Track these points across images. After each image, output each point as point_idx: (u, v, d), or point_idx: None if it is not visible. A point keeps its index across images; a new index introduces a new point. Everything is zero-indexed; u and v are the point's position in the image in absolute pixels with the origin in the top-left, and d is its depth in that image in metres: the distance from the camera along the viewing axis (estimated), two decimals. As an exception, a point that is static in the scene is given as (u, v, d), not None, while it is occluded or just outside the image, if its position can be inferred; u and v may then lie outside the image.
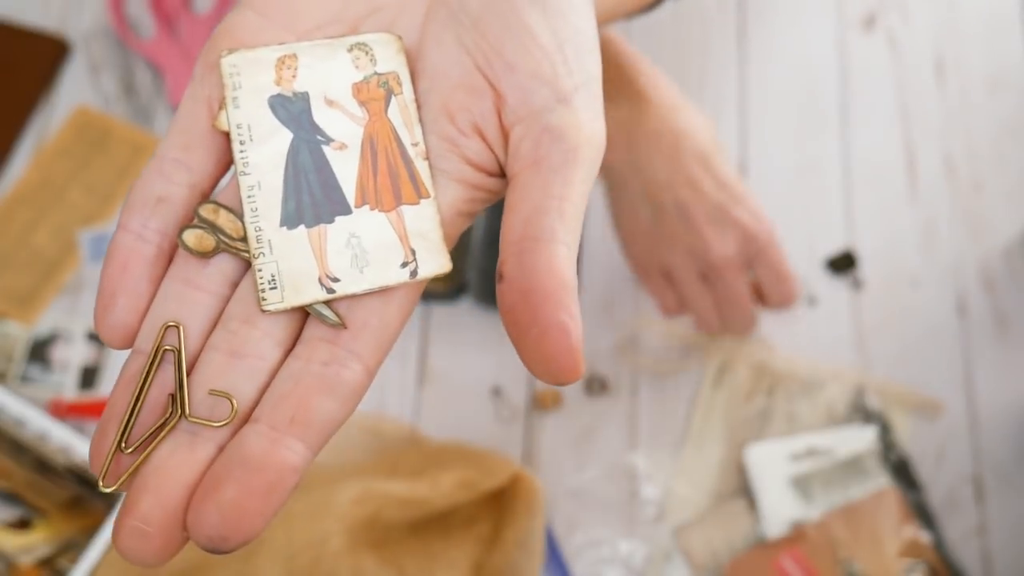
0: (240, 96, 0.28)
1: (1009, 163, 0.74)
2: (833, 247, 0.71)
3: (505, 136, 0.28)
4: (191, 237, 0.27)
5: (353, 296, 0.27)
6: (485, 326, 0.68)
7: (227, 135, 0.28)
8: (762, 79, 0.76)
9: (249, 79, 0.28)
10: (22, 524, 0.61)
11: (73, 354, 0.67)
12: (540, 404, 0.66)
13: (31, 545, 0.60)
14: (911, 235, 0.71)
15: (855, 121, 0.75)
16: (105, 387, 0.67)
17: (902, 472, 0.64)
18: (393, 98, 0.28)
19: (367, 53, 0.29)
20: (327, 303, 0.26)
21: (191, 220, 0.27)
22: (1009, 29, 0.78)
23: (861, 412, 0.66)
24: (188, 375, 0.26)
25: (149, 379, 0.26)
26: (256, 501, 0.24)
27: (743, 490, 0.64)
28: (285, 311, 0.26)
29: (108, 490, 0.26)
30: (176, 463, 0.25)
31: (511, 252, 0.25)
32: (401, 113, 0.28)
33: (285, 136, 0.28)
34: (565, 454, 0.65)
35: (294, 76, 0.28)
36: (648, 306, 0.69)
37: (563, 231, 0.25)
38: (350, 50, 0.29)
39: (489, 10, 0.28)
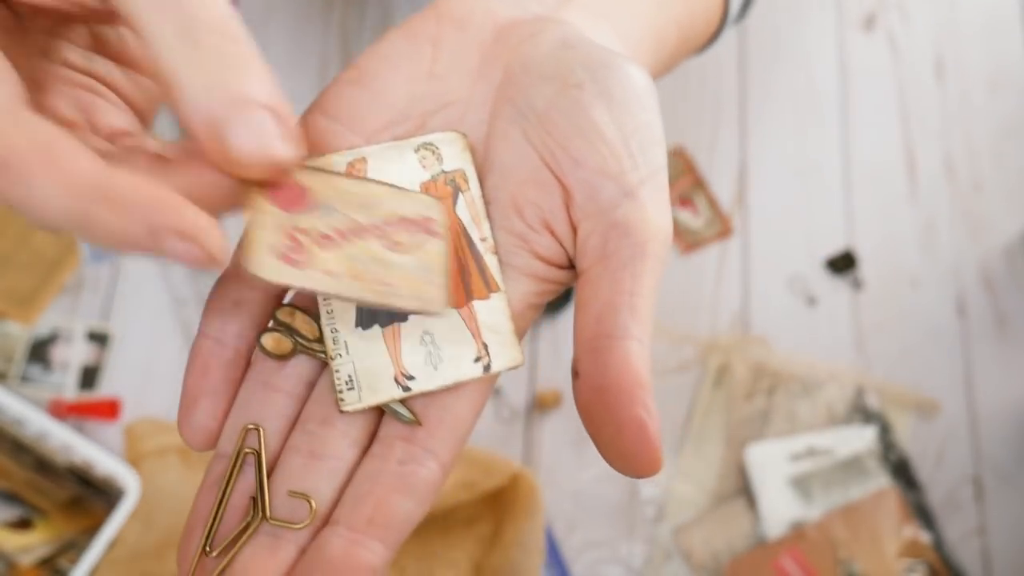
0: None
1: (1009, 163, 0.74)
2: (833, 247, 0.71)
3: (574, 230, 0.28)
4: (269, 340, 0.27)
5: (428, 393, 0.27)
6: (485, 326, 0.68)
7: None
8: (762, 79, 0.76)
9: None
10: (22, 524, 0.61)
11: (73, 354, 0.67)
12: (540, 404, 0.66)
13: (31, 545, 0.60)
14: (911, 235, 0.72)
15: (855, 121, 0.75)
16: (105, 387, 0.67)
17: (902, 472, 0.64)
18: (460, 195, 0.29)
19: (434, 152, 0.29)
20: (402, 401, 0.27)
21: (268, 323, 0.28)
22: (1009, 29, 0.78)
23: (861, 412, 0.66)
24: (268, 477, 0.26)
25: (231, 482, 0.26)
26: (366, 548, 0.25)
27: (743, 490, 0.64)
28: (362, 411, 0.27)
29: None
30: (259, 566, 0.25)
31: (585, 349, 0.26)
32: (469, 209, 0.29)
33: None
34: (565, 454, 0.65)
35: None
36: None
37: (635, 327, 0.26)
38: (417, 150, 0.29)
39: (555, 106, 0.28)
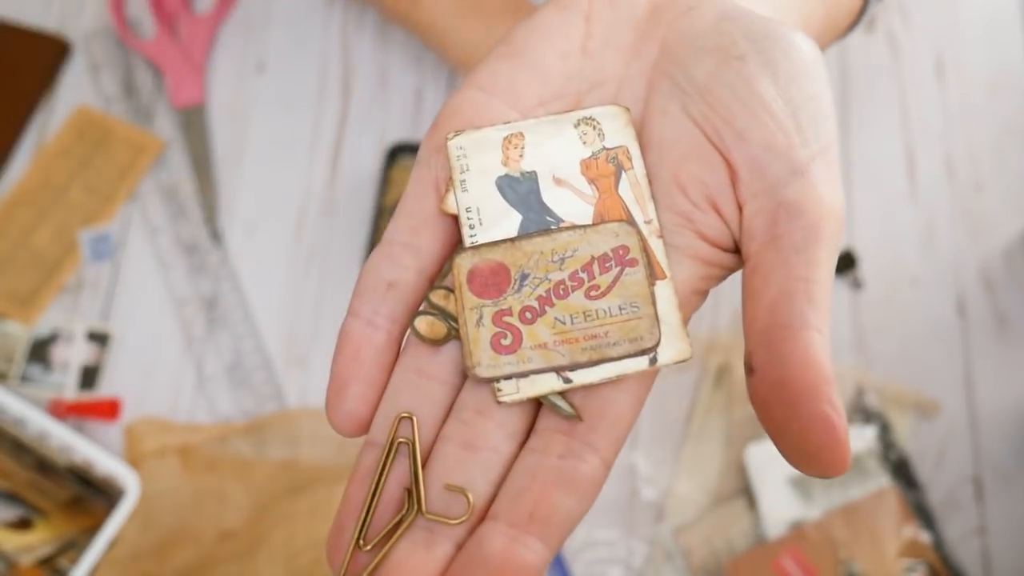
0: (468, 178, 0.27)
1: (1009, 163, 0.74)
2: (833, 247, 0.71)
3: (740, 210, 0.26)
4: (422, 324, 0.26)
5: (589, 386, 0.26)
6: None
7: (455, 218, 0.27)
8: (762, 79, 0.76)
9: (476, 160, 0.28)
10: (22, 524, 0.61)
11: (73, 354, 0.67)
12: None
13: (31, 545, 0.60)
14: (911, 235, 0.72)
15: (855, 121, 0.75)
16: (105, 387, 0.67)
17: (902, 472, 0.64)
18: (623, 173, 0.27)
19: (594, 128, 0.28)
20: (562, 394, 0.26)
21: (421, 306, 0.27)
22: (1009, 30, 0.78)
23: (861, 412, 0.66)
24: (423, 468, 0.25)
25: (385, 473, 0.25)
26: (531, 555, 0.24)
27: (743, 490, 0.64)
28: (520, 402, 0.26)
29: None
30: (415, 562, 0.24)
31: (760, 342, 0.24)
32: (632, 189, 0.27)
33: (515, 218, 0.27)
34: (565, 454, 0.65)
35: (521, 155, 0.28)
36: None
37: (815, 316, 0.24)
38: (577, 125, 0.28)
39: (717, 79, 0.27)
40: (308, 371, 0.67)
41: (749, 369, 0.24)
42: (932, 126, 0.75)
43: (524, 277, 0.26)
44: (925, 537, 0.62)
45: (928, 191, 0.73)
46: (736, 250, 0.27)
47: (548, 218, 0.27)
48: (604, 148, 0.28)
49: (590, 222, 0.27)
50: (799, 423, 0.23)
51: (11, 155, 0.73)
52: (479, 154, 0.28)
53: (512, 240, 0.27)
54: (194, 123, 0.74)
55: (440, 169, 0.28)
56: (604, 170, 0.28)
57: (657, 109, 0.28)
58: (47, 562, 0.60)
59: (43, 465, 0.63)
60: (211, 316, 0.69)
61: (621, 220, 0.27)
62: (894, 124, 0.75)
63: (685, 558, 0.62)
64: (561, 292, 0.26)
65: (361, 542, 0.25)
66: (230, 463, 0.64)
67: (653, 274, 0.26)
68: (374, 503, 0.25)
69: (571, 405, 0.26)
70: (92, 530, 0.60)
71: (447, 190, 0.28)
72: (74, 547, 0.61)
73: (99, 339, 0.68)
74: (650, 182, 0.27)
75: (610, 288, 0.26)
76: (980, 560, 0.62)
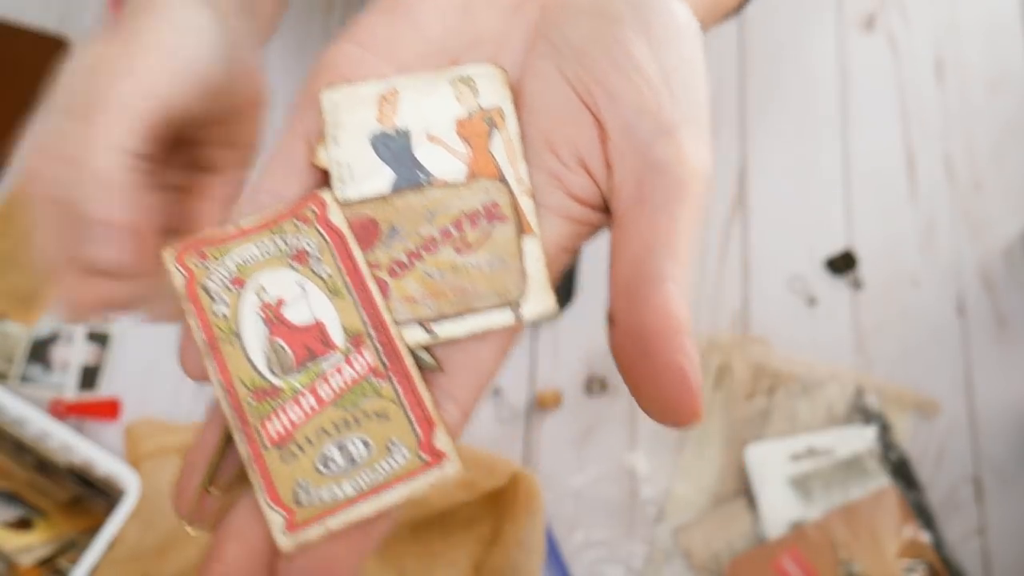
0: (340, 134, 0.27)
1: (1009, 163, 0.74)
2: (833, 247, 0.71)
3: (609, 169, 0.27)
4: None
5: (453, 339, 0.26)
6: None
7: (325, 172, 0.27)
8: (762, 79, 0.76)
9: (350, 116, 0.27)
10: (22, 524, 0.61)
11: (73, 354, 0.67)
12: (540, 404, 0.66)
13: (31, 545, 0.60)
14: (911, 235, 0.72)
15: (855, 121, 0.75)
16: (105, 387, 0.67)
17: (902, 472, 0.64)
18: (496, 133, 0.28)
19: (470, 87, 0.28)
20: (426, 347, 0.26)
21: None
22: (1009, 29, 0.78)
23: (861, 412, 0.66)
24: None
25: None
26: (347, 545, 0.24)
27: (743, 490, 0.64)
28: None
29: (193, 532, 0.25)
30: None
31: (620, 294, 0.25)
32: (505, 148, 0.27)
33: (387, 175, 0.27)
34: (565, 454, 0.65)
35: (395, 112, 0.28)
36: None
37: (674, 269, 0.24)
38: (453, 84, 0.28)
39: (592, 41, 0.27)
40: (308, 371, 0.67)
41: (610, 321, 0.25)
42: (932, 126, 0.75)
43: (394, 232, 0.27)
44: (925, 537, 0.62)
45: (928, 191, 0.73)
46: (605, 209, 0.27)
47: (420, 175, 0.27)
48: (480, 107, 0.28)
49: (462, 180, 0.27)
50: (654, 372, 0.23)
51: (11, 155, 0.73)
52: (353, 109, 0.28)
53: (384, 196, 0.27)
54: (194, 123, 0.74)
55: (312, 122, 0.28)
56: (478, 129, 0.28)
57: (533, 70, 0.28)
58: (47, 562, 0.60)
59: (43, 465, 0.63)
60: (211, 316, 0.69)
61: (493, 178, 0.27)
62: (894, 124, 0.75)
63: (685, 558, 0.62)
64: (431, 247, 0.26)
65: (209, 485, 0.25)
66: (230, 463, 0.64)
67: (522, 231, 0.27)
68: (225, 448, 0.25)
69: (434, 356, 0.26)
70: (92, 530, 0.60)
71: (319, 143, 0.28)
72: (74, 547, 0.61)
73: (99, 339, 0.68)
74: (523, 142, 0.28)
75: (479, 244, 0.26)
76: (980, 560, 0.62)
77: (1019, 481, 0.65)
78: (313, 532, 0.23)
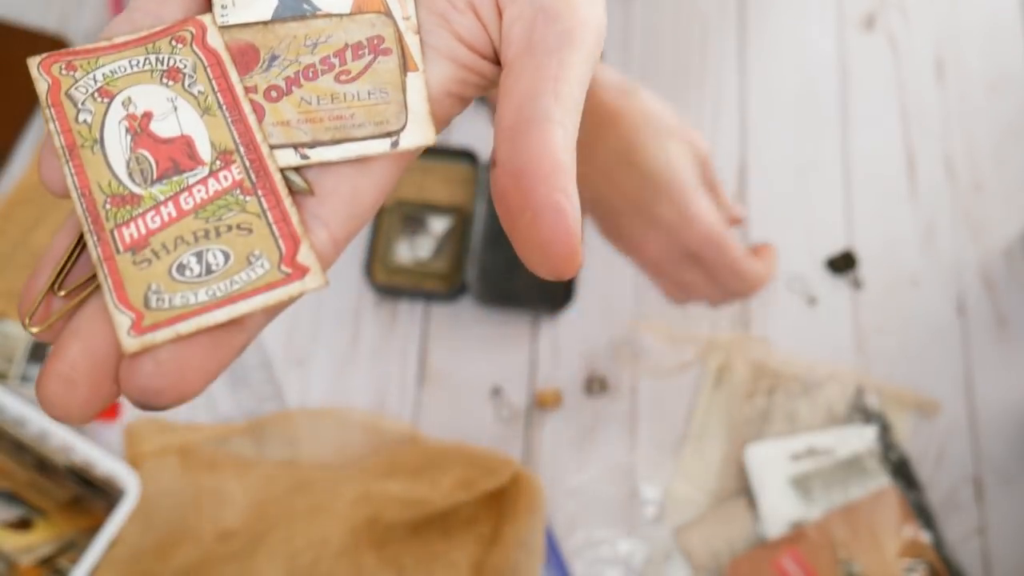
0: None
1: (1009, 163, 0.74)
2: (833, 247, 0.71)
3: (500, 16, 0.26)
4: None
5: (328, 163, 0.25)
6: (485, 326, 0.68)
7: None
8: (762, 79, 0.76)
9: None
10: (22, 524, 0.61)
11: (73, 354, 0.67)
12: (540, 404, 0.66)
13: (31, 545, 0.60)
14: (911, 235, 0.72)
15: (855, 121, 0.75)
16: (105, 387, 0.67)
17: (902, 472, 0.64)
18: None
19: None
20: (298, 169, 0.25)
21: None
22: (1009, 29, 0.78)
23: (861, 412, 0.66)
24: None
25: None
26: (199, 354, 0.23)
27: (743, 490, 0.64)
28: None
29: (35, 331, 0.24)
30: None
31: (504, 137, 0.24)
32: None
33: (270, 3, 0.27)
34: (565, 454, 0.65)
35: None
36: (647, 306, 0.69)
37: (558, 111, 0.24)
38: None
39: None
40: (308, 371, 0.67)
41: (492, 163, 0.24)
42: (932, 126, 0.75)
43: (274, 59, 0.26)
44: (925, 537, 0.62)
45: (928, 191, 0.73)
46: (496, 61, 0.27)
47: (305, 6, 0.27)
48: None
49: (347, 12, 0.27)
50: (531, 212, 0.23)
51: (11, 155, 0.73)
52: None
53: (265, 23, 0.26)
54: (194, 123, 0.74)
55: None
56: None
57: None
58: (47, 562, 0.60)
59: (43, 465, 0.63)
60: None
61: (379, 12, 0.27)
62: (894, 124, 0.75)
63: (685, 558, 0.62)
64: (310, 75, 0.26)
65: (56, 287, 0.24)
66: (230, 463, 0.64)
67: (406, 66, 0.26)
68: (77, 250, 0.24)
69: (305, 180, 0.25)
70: (92, 530, 0.60)
71: None
72: (74, 547, 0.61)
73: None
74: None
75: (361, 74, 0.26)
76: (980, 560, 0.62)
77: (1019, 481, 0.65)
78: (161, 335, 0.22)
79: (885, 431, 0.65)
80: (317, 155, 0.25)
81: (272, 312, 0.24)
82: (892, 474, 0.64)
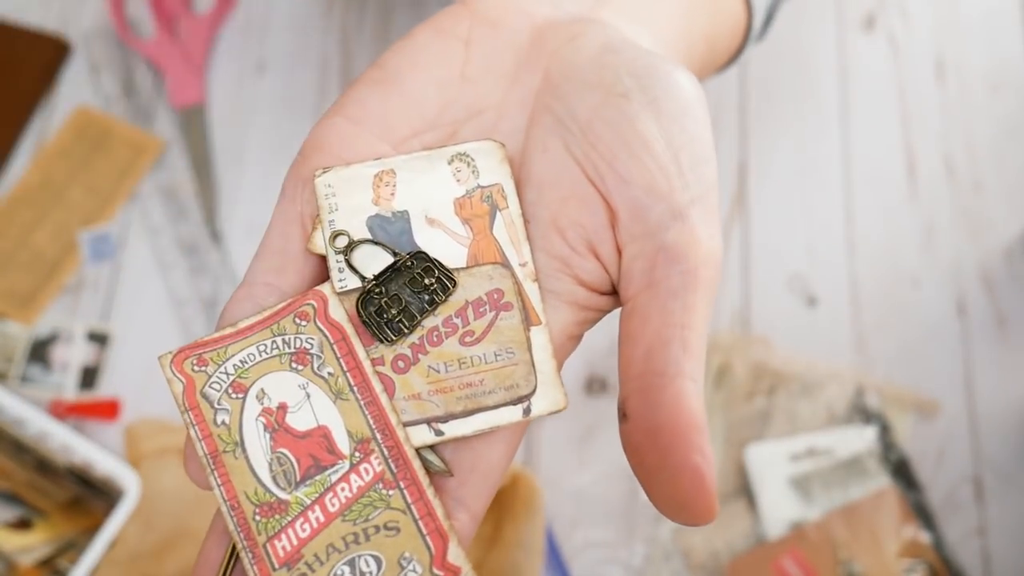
0: (337, 218, 0.26)
1: (1009, 163, 0.74)
2: (833, 247, 0.71)
3: (619, 253, 0.26)
4: None
5: (461, 438, 0.25)
6: (485, 326, 0.68)
7: (323, 258, 0.26)
8: (762, 79, 0.76)
9: (345, 199, 0.26)
10: (22, 524, 0.61)
11: (73, 354, 0.67)
12: (540, 404, 0.66)
13: (31, 545, 0.60)
14: (911, 235, 0.72)
15: (855, 121, 0.75)
16: (105, 387, 0.67)
17: (902, 472, 0.64)
18: (498, 213, 0.26)
19: (468, 164, 0.27)
20: (433, 447, 0.25)
21: None
22: (1009, 29, 0.78)
23: (861, 412, 0.66)
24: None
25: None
26: None
27: (743, 490, 0.64)
28: None
29: None
30: None
31: (634, 388, 0.24)
32: (507, 230, 0.26)
33: (385, 261, 0.26)
34: (565, 454, 0.65)
35: (392, 193, 0.26)
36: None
37: (689, 364, 0.24)
38: (450, 162, 0.27)
39: (599, 117, 0.26)
40: (308, 371, 0.67)
41: (622, 415, 0.24)
42: (932, 126, 0.75)
43: None
44: (925, 537, 0.62)
45: (928, 191, 0.73)
46: (613, 292, 0.26)
47: None
48: (479, 186, 0.27)
49: (464, 264, 0.26)
50: (669, 472, 0.23)
51: (11, 155, 0.73)
52: (349, 192, 0.26)
53: None
54: (194, 123, 0.74)
55: (306, 204, 0.27)
56: (478, 210, 0.27)
57: (538, 145, 0.27)
58: (47, 562, 0.60)
59: (43, 465, 0.63)
60: (211, 316, 0.69)
61: (495, 263, 0.26)
62: (894, 124, 0.75)
63: (685, 558, 0.62)
64: (435, 339, 0.25)
65: None
66: (230, 463, 0.64)
67: (528, 320, 0.26)
68: (232, 563, 0.24)
69: (443, 459, 0.25)
70: (92, 530, 0.60)
71: (314, 228, 0.26)
72: (74, 547, 0.61)
73: (99, 339, 0.68)
74: (527, 222, 0.26)
75: (485, 334, 0.25)
76: (980, 560, 0.62)
77: (1019, 481, 0.65)
78: None
79: (885, 431, 0.65)
80: (451, 430, 0.25)
81: None
82: (892, 474, 0.64)
